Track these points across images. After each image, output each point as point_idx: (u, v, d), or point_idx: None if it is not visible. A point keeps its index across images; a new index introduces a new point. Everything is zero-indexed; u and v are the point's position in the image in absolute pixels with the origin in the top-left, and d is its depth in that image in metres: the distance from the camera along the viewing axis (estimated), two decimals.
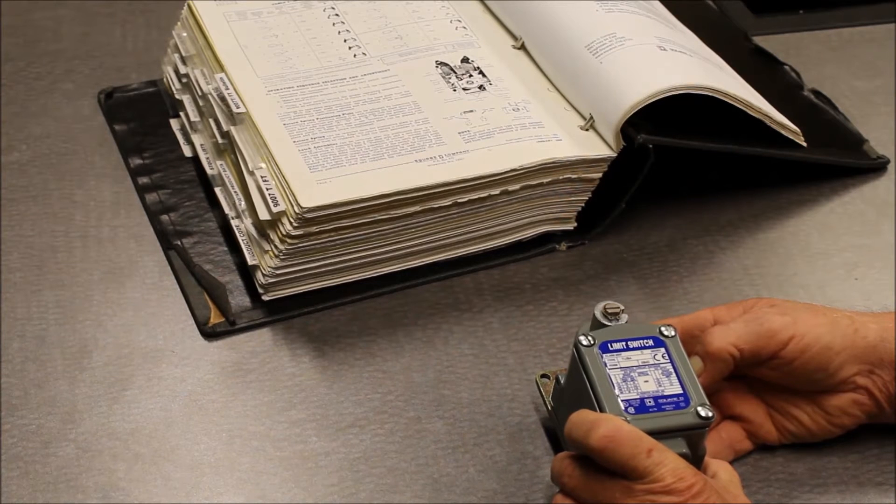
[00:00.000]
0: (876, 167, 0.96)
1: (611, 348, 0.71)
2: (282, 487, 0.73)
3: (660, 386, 0.69)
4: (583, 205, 0.88)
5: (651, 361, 0.70)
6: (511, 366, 0.80)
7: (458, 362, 0.81)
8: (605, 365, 0.70)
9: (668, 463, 0.64)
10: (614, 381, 0.69)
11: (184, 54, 0.95)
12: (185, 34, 0.96)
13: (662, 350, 0.71)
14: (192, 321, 0.82)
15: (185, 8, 0.96)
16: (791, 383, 0.73)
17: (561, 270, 0.87)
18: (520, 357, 0.81)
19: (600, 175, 0.86)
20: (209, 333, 0.82)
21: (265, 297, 0.83)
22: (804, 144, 0.93)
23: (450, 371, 0.80)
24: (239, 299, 0.84)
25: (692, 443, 0.67)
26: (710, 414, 0.67)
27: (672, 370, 0.70)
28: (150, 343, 0.81)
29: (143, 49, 1.05)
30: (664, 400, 0.68)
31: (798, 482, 0.74)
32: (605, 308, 0.73)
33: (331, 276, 0.84)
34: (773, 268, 0.88)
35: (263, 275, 0.82)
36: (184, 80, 0.95)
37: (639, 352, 0.71)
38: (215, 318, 0.83)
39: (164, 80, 0.99)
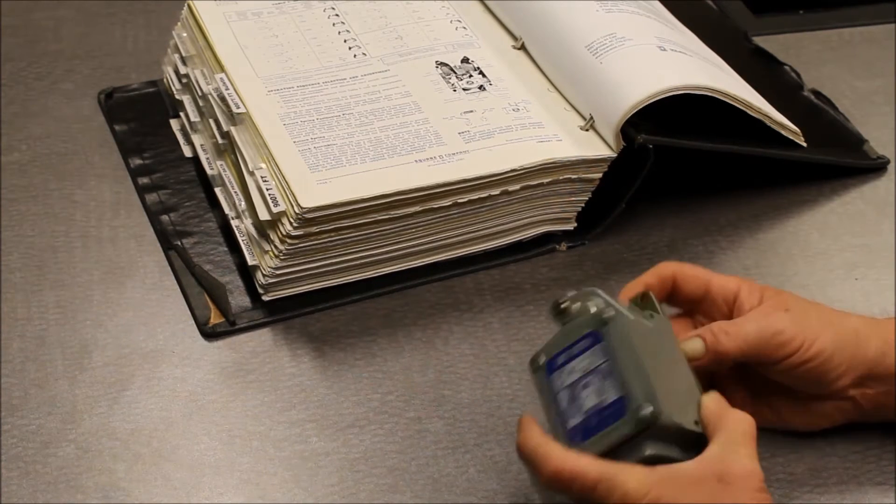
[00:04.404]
0: (876, 167, 0.96)
1: (557, 363, 0.67)
2: (282, 487, 0.73)
3: (601, 396, 0.65)
4: (583, 205, 0.88)
5: (592, 366, 0.66)
6: (511, 366, 0.80)
7: (458, 362, 0.81)
8: (553, 389, 0.67)
9: (616, 490, 0.62)
10: (562, 407, 0.66)
11: (184, 54, 0.95)
12: (185, 34, 0.96)
13: (600, 346, 0.66)
14: (192, 321, 0.82)
15: (185, 8, 0.96)
16: (782, 382, 0.73)
17: (561, 270, 0.87)
18: (520, 357, 0.81)
19: (600, 175, 0.86)
20: (209, 334, 0.82)
21: (265, 298, 0.83)
22: (804, 144, 0.93)
23: (450, 371, 0.80)
24: (239, 299, 0.84)
25: (657, 439, 0.64)
26: (648, 412, 0.63)
27: (611, 369, 0.65)
28: (150, 343, 0.81)
29: (143, 49, 1.05)
30: (606, 412, 0.64)
31: (798, 482, 0.74)
32: (553, 307, 0.68)
33: (331, 277, 0.84)
34: (773, 268, 0.88)
35: (263, 275, 0.82)
36: (184, 80, 0.95)
37: (580, 358, 0.67)
38: (215, 318, 0.83)
39: (164, 80, 0.99)
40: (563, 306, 0.68)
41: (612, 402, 0.65)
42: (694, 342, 0.70)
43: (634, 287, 0.72)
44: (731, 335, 0.70)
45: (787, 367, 0.71)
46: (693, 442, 0.65)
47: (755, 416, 0.70)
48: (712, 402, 0.66)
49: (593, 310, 0.67)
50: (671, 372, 0.67)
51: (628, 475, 0.63)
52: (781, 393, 0.73)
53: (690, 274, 0.73)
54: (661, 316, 0.69)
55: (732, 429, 0.65)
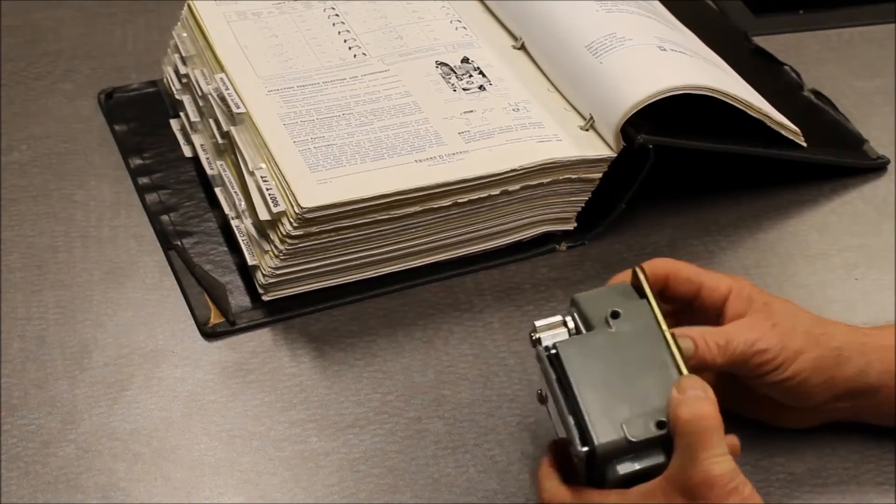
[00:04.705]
0: (876, 167, 0.96)
1: (543, 398, 0.68)
2: (282, 487, 0.73)
3: (563, 431, 0.65)
4: (583, 205, 0.88)
5: (553, 402, 0.66)
6: (511, 366, 0.80)
7: (458, 362, 0.81)
8: (552, 420, 0.68)
9: None
10: (559, 437, 0.67)
11: (184, 54, 0.95)
12: (185, 34, 0.96)
13: (547, 383, 0.66)
14: (192, 321, 0.82)
15: (185, 8, 0.96)
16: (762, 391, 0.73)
17: (561, 270, 0.87)
18: (520, 357, 0.81)
19: (600, 175, 0.86)
20: (209, 333, 0.82)
21: (265, 298, 0.83)
22: (804, 144, 0.93)
23: (450, 371, 0.80)
24: (239, 299, 0.84)
25: (621, 459, 0.64)
26: (582, 452, 0.63)
27: (559, 405, 0.65)
28: (150, 343, 0.81)
29: (143, 49, 1.05)
30: (570, 446, 0.65)
31: (798, 482, 0.74)
32: (529, 338, 0.68)
33: (331, 276, 0.84)
34: (773, 268, 0.88)
35: (263, 275, 0.82)
36: (184, 80, 0.95)
37: (548, 394, 0.66)
38: (215, 318, 0.83)
39: (164, 80, 0.99)
40: (533, 338, 0.68)
41: (570, 439, 0.65)
42: (684, 342, 0.68)
43: (624, 278, 0.71)
44: (721, 348, 0.69)
45: (763, 383, 0.71)
46: (670, 442, 0.64)
47: (733, 408, 0.69)
48: (674, 397, 0.64)
49: (541, 345, 0.67)
50: (631, 376, 0.66)
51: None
52: (759, 395, 0.73)
53: (683, 276, 0.72)
54: (642, 302, 0.68)
55: (688, 432, 0.63)
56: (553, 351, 0.66)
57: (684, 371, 0.66)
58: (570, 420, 0.64)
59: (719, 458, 0.62)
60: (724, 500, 0.62)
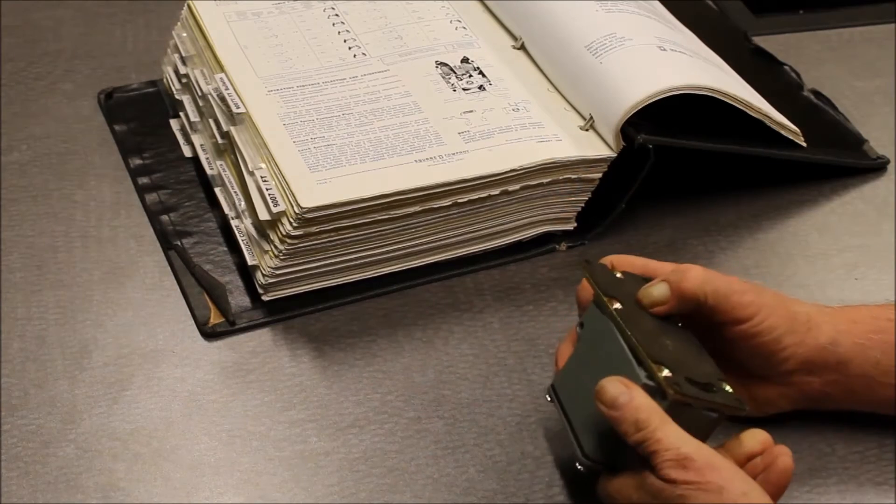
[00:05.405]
0: (876, 167, 0.96)
1: None
2: (282, 487, 0.73)
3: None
4: (583, 205, 0.88)
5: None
6: (511, 366, 0.80)
7: (458, 362, 0.81)
8: None
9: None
10: None
11: (184, 54, 0.95)
12: (185, 34, 0.96)
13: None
14: (192, 321, 0.82)
15: (185, 8, 0.96)
16: (733, 356, 0.72)
17: (561, 270, 0.87)
18: (520, 357, 0.81)
19: (600, 175, 0.86)
20: (209, 333, 0.82)
21: (265, 298, 0.83)
22: (804, 144, 0.93)
23: (450, 371, 0.80)
24: (239, 299, 0.84)
25: (612, 457, 0.68)
26: (581, 466, 0.68)
27: (566, 430, 0.70)
28: (150, 343, 0.81)
29: (143, 49, 1.05)
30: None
31: (798, 482, 0.74)
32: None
33: (331, 276, 0.84)
34: (773, 268, 0.88)
35: (263, 275, 0.82)
36: (184, 80, 0.95)
37: None
38: (215, 318, 0.83)
39: (164, 80, 0.99)
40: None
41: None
42: (659, 287, 0.70)
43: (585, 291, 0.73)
44: (701, 280, 0.69)
45: (738, 335, 0.71)
46: None
47: None
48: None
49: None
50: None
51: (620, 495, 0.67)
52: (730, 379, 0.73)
53: (625, 262, 0.74)
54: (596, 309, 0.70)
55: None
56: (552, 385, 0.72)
57: (647, 366, 0.66)
58: (572, 438, 0.69)
59: (647, 449, 0.64)
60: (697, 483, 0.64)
